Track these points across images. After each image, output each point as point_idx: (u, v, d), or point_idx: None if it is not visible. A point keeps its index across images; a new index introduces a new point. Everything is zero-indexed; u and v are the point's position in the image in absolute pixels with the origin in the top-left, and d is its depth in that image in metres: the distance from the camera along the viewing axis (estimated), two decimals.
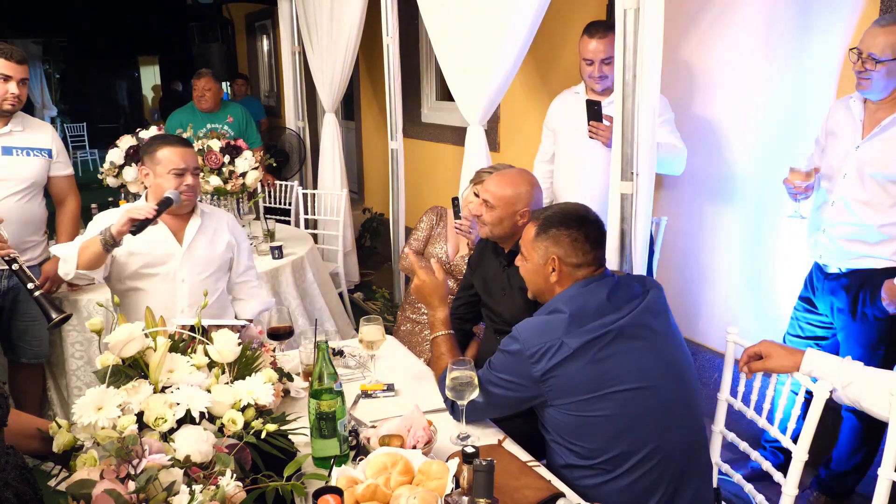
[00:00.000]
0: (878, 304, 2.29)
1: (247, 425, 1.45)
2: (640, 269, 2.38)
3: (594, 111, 2.78)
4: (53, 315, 2.22)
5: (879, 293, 2.27)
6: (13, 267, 2.31)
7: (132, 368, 1.52)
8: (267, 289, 2.97)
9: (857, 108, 2.34)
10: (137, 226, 2.14)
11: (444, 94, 5.48)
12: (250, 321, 2.52)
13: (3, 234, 2.38)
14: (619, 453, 1.62)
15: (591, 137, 2.81)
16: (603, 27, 2.89)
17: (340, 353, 2.31)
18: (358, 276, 5.31)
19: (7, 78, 2.62)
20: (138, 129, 3.71)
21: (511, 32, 2.97)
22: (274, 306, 2.59)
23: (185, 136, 3.81)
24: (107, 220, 2.33)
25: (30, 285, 2.28)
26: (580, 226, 1.78)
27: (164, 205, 2.24)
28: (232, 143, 3.75)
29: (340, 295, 4.31)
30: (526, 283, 1.90)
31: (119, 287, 2.39)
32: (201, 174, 3.64)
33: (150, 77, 18.07)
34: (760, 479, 2.14)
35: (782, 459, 2.64)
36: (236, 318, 2.58)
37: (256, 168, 3.72)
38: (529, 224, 1.87)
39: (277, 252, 3.51)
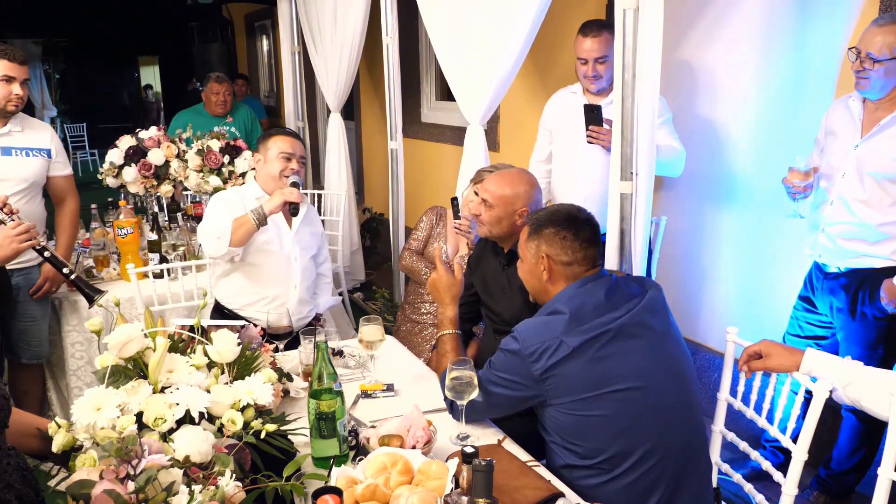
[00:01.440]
0: (878, 304, 2.29)
1: (246, 425, 1.45)
2: (639, 268, 2.38)
3: (593, 115, 2.75)
4: (95, 296, 2.26)
5: (878, 292, 2.27)
6: (45, 255, 2.33)
7: (132, 368, 1.52)
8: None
9: (857, 107, 2.34)
10: (294, 207, 2.53)
11: (444, 94, 5.48)
12: (320, 316, 2.85)
13: (28, 224, 2.37)
14: (618, 453, 1.62)
15: (589, 142, 2.78)
16: (597, 26, 2.88)
17: (340, 353, 2.31)
18: (364, 275, 5.32)
19: (10, 79, 2.63)
20: (138, 130, 3.71)
21: (512, 32, 2.97)
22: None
23: (185, 136, 3.82)
24: (232, 196, 2.60)
25: (65, 270, 2.32)
26: (569, 224, 1.79)
27: (297, 185, 2.57)
28: (231, 143, 3.75)
29: (340, 295, 4.31)
30: (524, 284, 1.91)
31: (244, 261, 2.61)
32: (202, 174, 3.64)
33: (150, 77, 18.07)
34: (760, 478, 2.15)
35: (782, 459, 2.64)
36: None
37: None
38: (524, 227, 1.88)
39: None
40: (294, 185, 2.56)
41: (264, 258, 2.62)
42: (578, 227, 1.79)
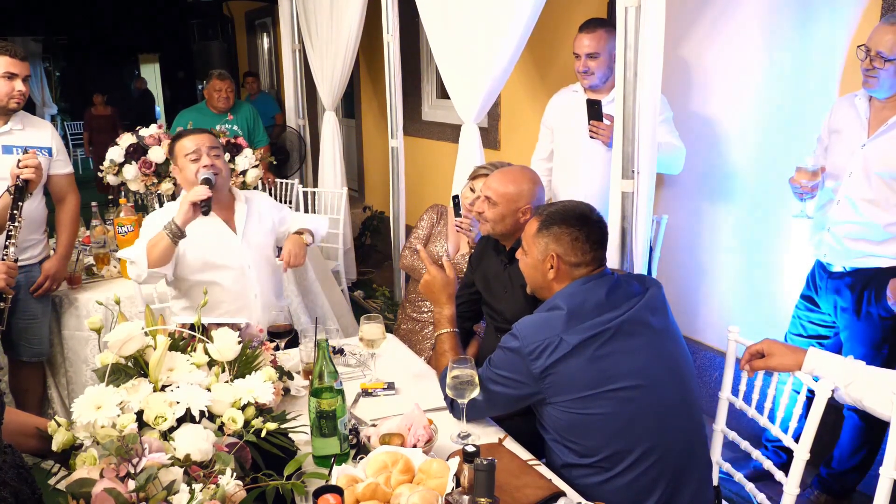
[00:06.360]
0: (884, 304, 2.27)
1: (247, 424, 1.45)
2: (640, 267, 2.38)
3: (595, 110, 2.76)
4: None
5: (885, 292, 2.26)
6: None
7: (132, 366, 1.52)
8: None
9: (863, 106, 2.32)
10: (205, 205, 2.26)
11: (445, 93, 5.45)
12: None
13: (12, 260, 2.43)
14: (617, 451, 1.62)
15: (591, 137, 2.80)
16: (595, 23, 2.88)
17: (341, 351, 2.31)
18: (356, 274, 5.32)
19: (12, 76, 2.63)
20: (138, 128, 3.71)
21: (507, 32, 2.97)
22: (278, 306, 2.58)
23: None
24: (160, 219, 2.37)
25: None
26: (582, 225, 1.77)
27: (208, 182, 2.34)
28: (232, 141, 3.75)
29: (342, 292, 4.31)
30: (524, 277, 1.90)
31: (193, 279, 2.43)
32: None
33: (150, 75, 18.05)
34: (762, 478, 2.14)
35: (784, 459, 2.64)
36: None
37: (257, 166, 3.72)
38: (532, 219, 1.85)
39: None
40: (206, 181, 2.33)
41: (218, 274, 2.43)
42: (590, 228, 1.77)
